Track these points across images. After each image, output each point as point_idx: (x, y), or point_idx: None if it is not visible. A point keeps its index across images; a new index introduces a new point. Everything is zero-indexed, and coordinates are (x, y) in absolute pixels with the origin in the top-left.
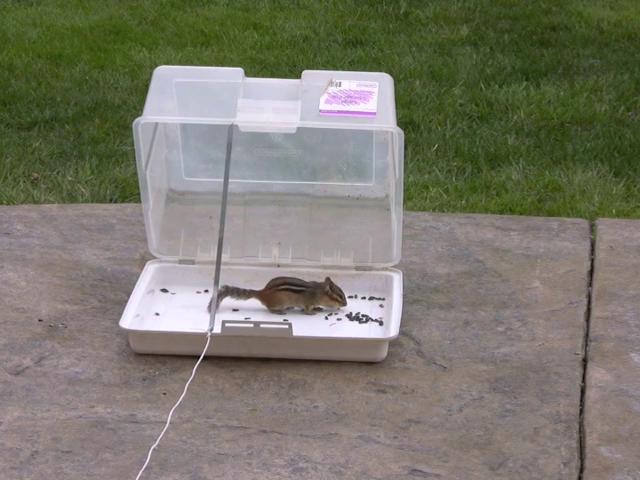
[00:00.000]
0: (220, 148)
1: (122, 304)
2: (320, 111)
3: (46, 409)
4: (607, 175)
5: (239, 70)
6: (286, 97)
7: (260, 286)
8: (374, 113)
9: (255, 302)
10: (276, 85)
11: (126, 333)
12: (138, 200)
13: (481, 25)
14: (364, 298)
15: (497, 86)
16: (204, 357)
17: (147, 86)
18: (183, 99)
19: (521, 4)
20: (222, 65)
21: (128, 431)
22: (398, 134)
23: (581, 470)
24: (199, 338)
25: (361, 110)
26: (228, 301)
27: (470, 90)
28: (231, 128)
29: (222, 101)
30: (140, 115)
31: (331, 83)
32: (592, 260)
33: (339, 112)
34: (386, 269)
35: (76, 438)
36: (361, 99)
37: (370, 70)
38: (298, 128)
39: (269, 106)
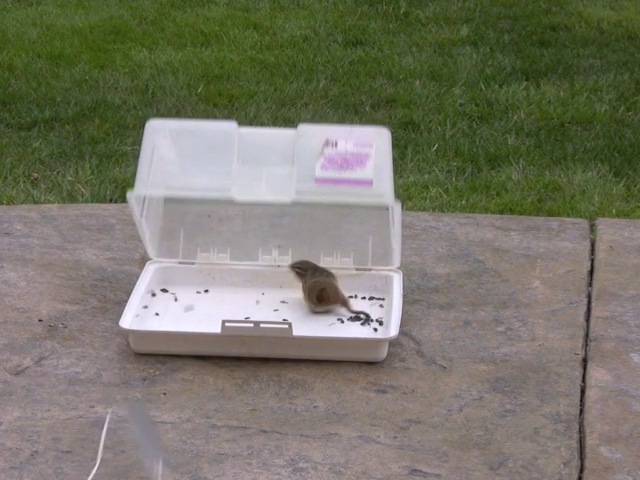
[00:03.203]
0: (218, 164)
1: (122, 304)
2: (316, 179)
3: (46, 409)
4: (607, 175)
5: (233, 124)
6: (282, 157)
7: (260, 285)
8: (371, 182)
9: (253, 300)
10: (271, 142)
11: (126, 333)
12: None
13: (481, 25)
14: (364, 298)
15: (497, 86)
16: (204, 357)
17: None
18: (175, 162)
19: (521, 4)
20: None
21: (128, 431)
22: (396, 207)
23: (581, 470)
24: (199, 338)
25: (358, 178)
26: (226, 297)
27: (470, 90)
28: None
29: (217, 164)
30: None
31: (327, 144)
32: (592, 260)
33: (335, 180)
34: (386, 269)
35: (76, 438)
36: (358, 164)
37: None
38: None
39: (264, 173)
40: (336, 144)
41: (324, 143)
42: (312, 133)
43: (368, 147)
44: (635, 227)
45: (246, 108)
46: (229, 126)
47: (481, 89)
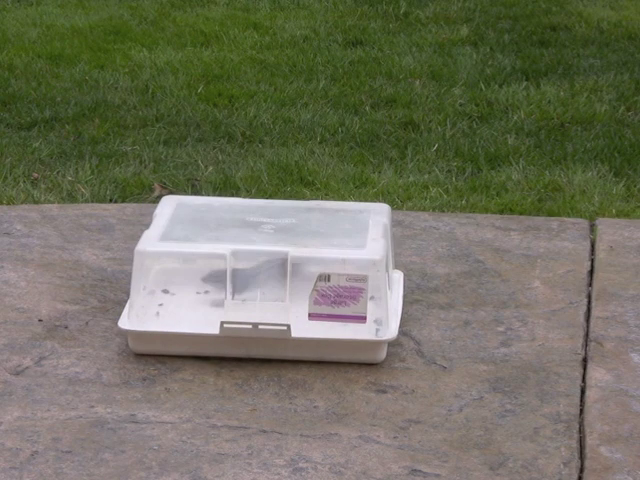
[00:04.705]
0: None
1: (122, 304)
2: (310, 315)
3: (46, 409)
4: (607, 175)
5: (223, 255)
6: (274, 290)
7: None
8: (364, 318)
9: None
10: (263, 270)
11: (125, 333)
12: (138, 200)
13: (481, 25)
14: None
15: (497, 86)
16: (204, 357)
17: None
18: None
19: (521, 4)
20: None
21: (128, 431)
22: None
23: (581, 470)
24: (199, 338)
25: (351, 314)
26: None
27: (470, 90)
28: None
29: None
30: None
31: (320, 278)
32: (592, 260)
33: (329, 316)
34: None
35: (76, 438)
36: (351, 299)
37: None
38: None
39: (257, 309)
40: (328, 278)
41: (317, 278)
42: (304, 262)
43: (361, 281)
44: (635, 227)
45: (246, 108)
46: (219, 259)
47: (481, 89)
